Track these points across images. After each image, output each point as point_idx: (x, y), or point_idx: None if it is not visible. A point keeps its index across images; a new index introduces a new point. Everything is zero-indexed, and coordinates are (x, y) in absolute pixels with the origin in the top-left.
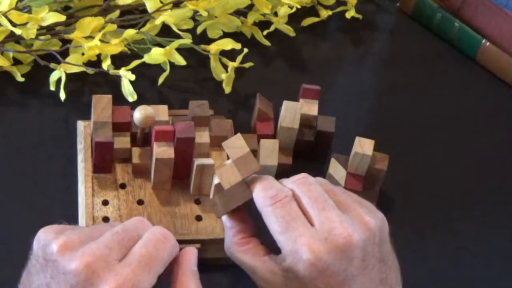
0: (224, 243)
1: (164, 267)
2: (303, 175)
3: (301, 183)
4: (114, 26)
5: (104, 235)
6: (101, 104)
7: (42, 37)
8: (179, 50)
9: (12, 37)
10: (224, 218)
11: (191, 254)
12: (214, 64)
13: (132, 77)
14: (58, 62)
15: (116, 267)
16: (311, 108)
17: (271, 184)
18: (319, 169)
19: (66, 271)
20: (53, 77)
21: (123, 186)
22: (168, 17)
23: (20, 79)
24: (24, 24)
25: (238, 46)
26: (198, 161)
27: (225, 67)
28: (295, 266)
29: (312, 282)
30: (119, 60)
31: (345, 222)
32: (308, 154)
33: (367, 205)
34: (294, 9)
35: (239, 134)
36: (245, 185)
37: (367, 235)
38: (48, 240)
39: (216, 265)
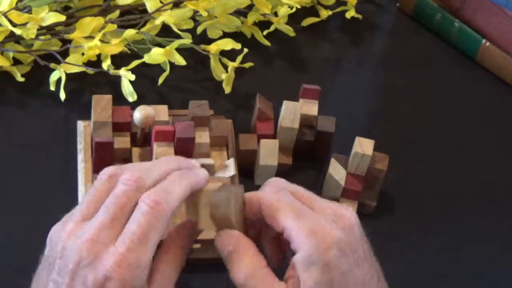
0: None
1: (162, 233)
2: (275, 178)
3: (281, 185)
4: (114, 26)
5: (97, 215)
6: (101, 104)
7: (42, 37)
8: (179, 50)
9: (12, 37)
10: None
11: (188, 226)
12: (214, 64)
13: (132, 77)
14: (58, 62)
15: (112, 247)
16: (311, 108)
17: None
18: (319, 169)
19: (70, 258)
20: (53, 77)
21: None
22: (168, 17)
23: (20, 79)
24: (24, 24)
25: (238, 46)
26: (198, 161)
27: (225, 67)
28: (316, 252)
29: (335, 263)
30: (119, 60)
31: (339, 206)
32: (308, 154)
33: (339, 204)
34: (294, 9)
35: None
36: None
37: (356, 218)
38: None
39: (216, 265)
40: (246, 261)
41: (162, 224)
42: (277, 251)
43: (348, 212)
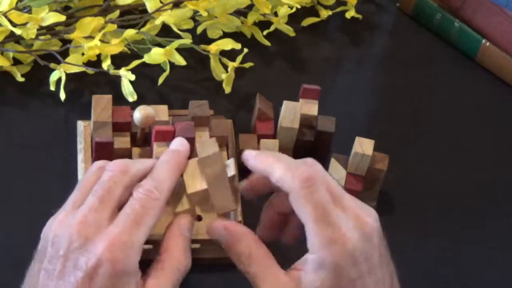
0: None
1: (155, 220)
2: (311, 160)
3: (315, 166)
4: (114, 26)
5: (87, 199)
6: (101, 104)
7: (42, 37)
8: (179, 50)
9: (12, 37)
10: None
11: (184, 219)
12: (214, 64)
13: (132, 77)
14: (58, 62)
15: (105, 229)
16: (311, 108)
17: (296, 163)
18: None
19: (61, 243)
20: (53, 77)
21: None
22: (168, 17)
23: (20, 79)
24: (24, 24)
25: (238, 46)
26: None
27: (225, 67)
28: (330, 258)
29: (346, 272)
30: (119, 60)
31: (362, 210)
32: (308, 154)
33: (363, 207)
34: (294, 9)
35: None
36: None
37: (378, 224)
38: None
39: (215, 265)
40: (243, 244)
41: (156, 210)
42: (277, 227)
43: (370, 218)
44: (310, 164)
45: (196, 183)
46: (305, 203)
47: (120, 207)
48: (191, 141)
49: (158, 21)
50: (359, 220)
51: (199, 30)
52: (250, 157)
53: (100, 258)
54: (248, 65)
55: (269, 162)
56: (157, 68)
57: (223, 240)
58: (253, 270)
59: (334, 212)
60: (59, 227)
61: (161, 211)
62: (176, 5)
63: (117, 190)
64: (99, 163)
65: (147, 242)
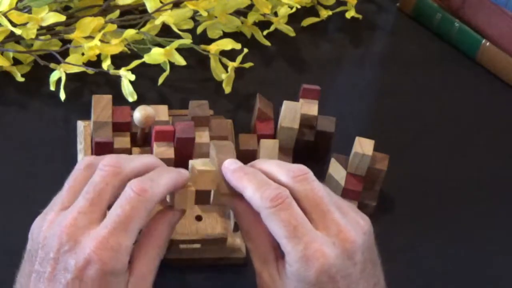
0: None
1: (144, 221)
2: (302, 169)
3: (302, 180)
4: (114, 26)
5: (77, 200)
6: (101, 104)
7: (42, 37)
8: (179, 50)
9: (12, 37)
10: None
11: (174, 213)
12: (214, 64)
13: (132, 77)
14: (58, 62)
15: (93, 231)
16: (311, 108)
17: (266, 182)
18: (319, 169)
19: (51, 246)
20: (53, 77)
21: None
22: (168, 17)
23: (20, 79)
24: (24, 24)
25: (238, 46)
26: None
27: (225, 67)
28: (305, 272)
29: (323, 286)
30: (119, 60)
31: (348, 225)
32: (308, 154)
33: (355, 208)
34: (294, 9)
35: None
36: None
37: (364, 239)
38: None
39: (216, 265)
40: (243, 216)
41: (146, 211)
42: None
43: (355, 233)
44: (295, 175)
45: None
46: (273, 221)
47: (111, 205)
48: (191, 141)
49: (158, 21)
50: (341, 237)
51: (199, 30)
52: (228, 171)
53: (88, 259)
54: (248, 65)
55: (242, 181)
56: (157, 68)
57: (231, 208)
58: (249, 245)
59: (307, 228)
60: (49, 229)
61: (151, 213)
62: (176, 5)
63: (108, 192)
64: (89, 159)
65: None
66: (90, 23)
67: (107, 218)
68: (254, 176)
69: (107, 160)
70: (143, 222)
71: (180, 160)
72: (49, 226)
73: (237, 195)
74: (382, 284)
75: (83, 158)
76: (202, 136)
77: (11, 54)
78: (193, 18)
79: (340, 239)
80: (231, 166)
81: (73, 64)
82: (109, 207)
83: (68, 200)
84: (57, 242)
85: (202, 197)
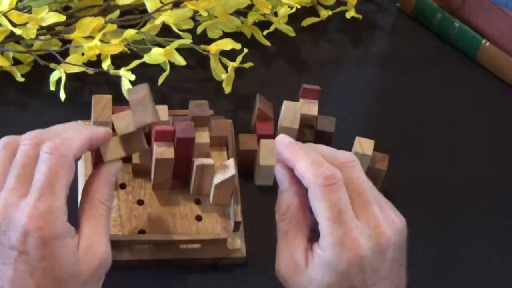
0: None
1: (68, 178)
2: (351, 157)
3: (350, 167)
4: (114, 26)
5: (6, 181)
6: (101, 104)
7: (42, 37)
8: (179, 50)
9: (12, 37)
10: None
11: (113, 164)
12: (214, 64)
13: (132, 77)
14: (58, 62)
15: (22, 204)
16: (311, 108)
17: (321, 160)
18: None
19: None
20: (53, 77)
21: (123, 186)
22: (168, 17)
23: (20, 79)
24: (24, 24)
25: (238, 46)
26: (198, 161)
27: (225, 67)
28: (337, 259)
29: (349, 277)
30: (119, 60)
31: (385, 221)
32: None
33: (393, 206)
34: (294, 9)
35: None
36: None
37: (397, 237)
38: None
39: (216, 265)
40: (284, 197)
41: (65, 168)
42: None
43: (391, 230)
44: (343, 161)
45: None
46: (321, 200)
47: None
48: (191, 141)
49: (158, 21)
50: (377, 231)
51: (199, 30)
52: (282, 144)
53: (24, 232)
54: (248, 65)
55: (296, 154)
56: (157, 68)
57: (279, 182)
58: (281, 226)
59: (350, 216)
60: None
61: (72, 167)
62: (176, 5)
63: (32, 164)
64: (5, 139)
65: (145, 243)
66: (90, 23)
67: (32, 187)
68: (310, 152)
69: (26, 135)
70: (66, 179)
71: (180, 160)
72: None
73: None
74: (403, 286)
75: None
76: (202, 136)
77: (11, 54)
78: (193, 18)
79: (377, 232)
80: (285, 139)
81: (73, 64)
82: None
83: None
84: None
85: (132, 143)
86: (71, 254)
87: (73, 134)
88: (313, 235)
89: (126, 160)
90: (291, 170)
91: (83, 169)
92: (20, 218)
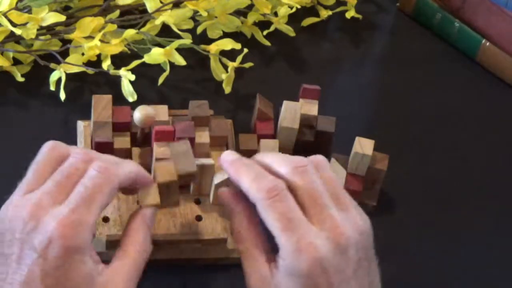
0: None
1: (106, 200)
2: (302, 161)
3: (302, 172)
4: (114, 26)
5: (45, 182)
6: (101, 104)
7: (42, 37)
8: (179, 50)
9: (12, 37)
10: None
11: (149, 210)
12: (214, 64)
13: (132, 77)
14: (58, 62)
15: (56, 210)
16: (311, 108)
17: (263, 174)
18: None
19: (16, 226)
20: (53, 77)
21: None
22: (168, 17)
23: (20, 79)
24: (24, 24)
25: (238, 46)
26: (198, 161)
27: (225, 67)
28: (298, 265)
29: (313, 280)
30: (119, 60)
31: (344, 221)
32: (308, 154)
33: (360, 209)
34: (294, 9)
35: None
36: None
37: (360, 238)
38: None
39: (216, 265)
40: (236, 221)
41: (108, 189)
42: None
43: (350, 229)
44: (294, 166)
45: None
46: (269, 213)
47: None
48: (191, 141)
49: (158, 21)
50: (336, 232)
51: (199, 30)
52: (226, 163)
53: (50, 237)
54: (248, 65)
55: (239, 171)
56: (157, 68)
57: (226, 208)
58: (239, 247)
59: (302, 221)
60: (14, 212)
61: (114, 192)
62: (176, 5)
63: (75, 177)
64: (50, 143)
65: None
66: (90, 23)
67: (70, 197)
68: (252, 167)
69: (78, 149)
70: (105, 201)
71: None
72: (14, 209)
73: (233, 198)
74: (376, 284)
75: (45, 143)
76: (202, 136)
77: (11, 54)
78: (193, 18)
79: (334, 233)
80: (228, 157)
81: (73, 64)
82: None
83: (33, 183)
84: (21, 223)
85: (169, 194)
86: (87, 274)
87: (123, 164)
88: (273, 245)
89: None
90: (236, 189)
91: None
92: (49, 223)
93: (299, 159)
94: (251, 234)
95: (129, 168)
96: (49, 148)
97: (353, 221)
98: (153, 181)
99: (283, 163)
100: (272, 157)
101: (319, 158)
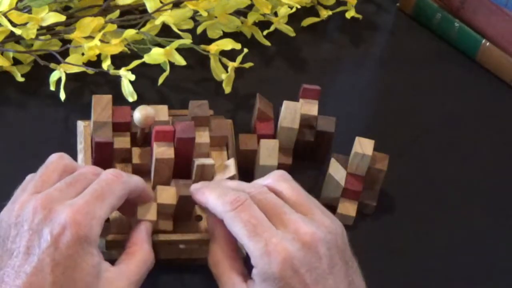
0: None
1: (119, 201)
2: (257, 186)
3: (258, 194)
4: (114, 26)
5: (55, 184)
6: (101, 104)
7: (42, 37)
8: (179, 50)
9: (12, 37)
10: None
11: (149, 224)
12: (214, 64)
13: (132, 77)
14: (58, 62)
15: (69, 201)
16: (311, 108)
17: (226, 191)
18: (319, 169)
19: (25, 219)
20: (53, 77)
21: None
22: (168, 17)
23: (20, 79)
24: (24, 24)
25: (238, 46)
26: (198, 161)
27: (225, 67)
28: (269, 270)
29: (287, 282)
30: (119, 60)
31: (308, 222)
32: (308, 154)
33: (328, 213)
34: (294, 9)
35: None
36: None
37: (329, 236)
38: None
39: None
40: (215, 248)
41: (120, 192)
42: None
43: (314, 228)
44: (251, 191)
45: (167, 197)
46: (235, 223)
47: None
48: (191, 141)
49: (158, 21)
50: (300, 232)
51: (199, 30)
52: (194, 190)
53: (64, 224)
54: (248, 65)
55: (204, 193)
56: (157, 68)
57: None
58: (215, 272)
59: (267, 226)
60: (22, 208)
61: (125, 196)
62: (176, 5)
63: (84, 182)
64: (59, 154)
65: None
66: (90, 23)
67: (84, 192)
68: (216, 187)
69: (88, 166)
70: (116, 202)
71: (180, 160)
72: (21, 206)
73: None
74: (358, 284)
75: (53, 154)
76: (202, 136)
77: (11, 54)
78: (193, 18)
79: (299, 234)
80: (197, 186)
81: (73, 64)
82: None
83: (41, 186)
84: (32, 213)
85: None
86: (95, 266)
87: (133, 176)
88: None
89: (126, 160)
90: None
91: (82, 163)
92: (63, 211)
93: (252, 185)
94: (227, 260)
95: (138, 180)
96: (59, 157)
97: (319, 222)
98: (153, 198)
99: (241, 188)
100: (232, 183)
101: (275, 173)
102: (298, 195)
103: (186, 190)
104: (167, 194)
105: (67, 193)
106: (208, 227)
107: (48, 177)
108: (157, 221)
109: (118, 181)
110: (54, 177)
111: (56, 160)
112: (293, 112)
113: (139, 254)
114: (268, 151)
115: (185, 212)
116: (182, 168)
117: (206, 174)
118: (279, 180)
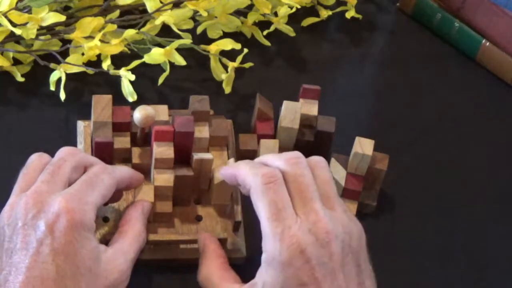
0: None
1: (108, 191)
2: (296, 154)
3: (294, 164)
4: (114, 26)
5: (39, 176)
6: (101, 104)
7: (42, 37)
8: (179, 50)
9: (12, 37)
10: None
11: (146, 203)
12: (214, 64)
13: (132, 77)
14: (58, 62)
15: (60, 192)
16: (311, 108)
17: (260, 164)
18: None
19: (18, 217)
20: (53, 77)
21: None
22: (168, 17)
23: (20, 79)
24: (24, 24)
25: (238, 46)
26: (196, 156)
27: (225, 67)
28: (279, 256)
29: (295, 272)
30: (119, 60)
31: (328, 217)
32: (308, 154)
33: (349, 213)
34: (294, 9)
35: None
36: None
37: (344, 236)
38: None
39: None
40: (205, 262)
41: (109, 182)
42: None
43: (330, 226)
44: (287, 157)
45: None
46: (261, 199)
47: (70, 184)
48: (191, 135)
49: (158, 21)
50: (317, 225)
51: (199, 30)
52: (224, 169)
53: (57, 212)
54: (248, 65)
55: (237, 167)
56: (157, 68)
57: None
58: (208, 285)
59: (290, 213)
60: (12, 209)
61: (113, 188)
62: (176, 5)
63: (67, 167)
64: (37, 154)
65: (147, 243)
66: (90, 23)
67: (74, 183)
68: (249, 161)
69: (63, 148)
70: (106, 192)
71: (180, 155)
72: (11, 207)
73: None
74: (369, 286)
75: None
76: (202, 131)
77: (11, 54)
78: (193, 18)
79: (316, 227)
80: (225, 166)
81: (73, 64)
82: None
83: (25, 185)
84: (24, 210)
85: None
86: (94, 249)
87: (118, 167)
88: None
89: (126, 160)
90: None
91: None
92: (55, 200)
93: (293, 153)
94: (220, 270)
95: (124, 169)
96: (38, 156)
97: (338, 220)
98: (143, 177)
99: (277, 157)
100: (268, 155)
101: (318, 158)
102: (328, 189)
103: (183, 170)
104: (164, 177)
105: (54, 183)
106: (199, 244)
107: (31, 176)
108: (155, 203)
109: (105, 171)
110: (36, 175)
111: (36, 159)
112: (293, 112)
113: (131, 232)
114: (268, 151)
115: (184, 194)
116: (181, 163)
117: (205, 169)
118: (322, 167)
